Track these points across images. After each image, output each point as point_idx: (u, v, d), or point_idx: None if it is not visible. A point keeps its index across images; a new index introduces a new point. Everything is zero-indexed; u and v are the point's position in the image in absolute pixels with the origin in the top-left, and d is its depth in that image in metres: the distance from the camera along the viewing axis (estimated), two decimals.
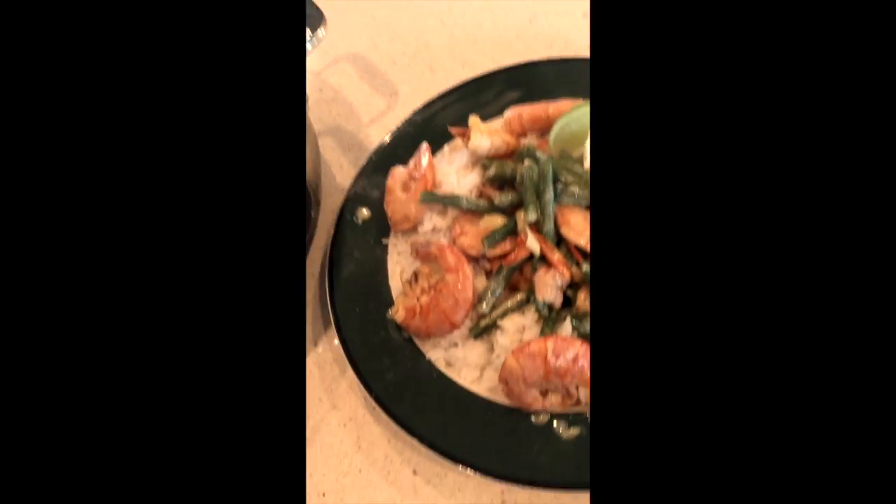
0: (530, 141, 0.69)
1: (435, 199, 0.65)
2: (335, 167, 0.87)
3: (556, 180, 0.62)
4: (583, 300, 0.58)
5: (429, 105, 0.80)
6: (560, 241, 0.60)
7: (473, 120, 0.70)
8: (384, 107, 0.91)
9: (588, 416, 0.56)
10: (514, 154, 0.68)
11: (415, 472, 0.62)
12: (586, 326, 0.58)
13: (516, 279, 0.62)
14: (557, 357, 0.55)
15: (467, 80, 0.81)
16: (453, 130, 0.71)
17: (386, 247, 0.70)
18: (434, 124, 0.77)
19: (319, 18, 0.70)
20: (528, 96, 0.77)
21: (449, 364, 0.62)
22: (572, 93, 0.74)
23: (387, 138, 0.79)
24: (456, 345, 0.62)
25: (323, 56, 0.99)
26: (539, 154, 0.63)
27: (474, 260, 0.63)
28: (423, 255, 0.64)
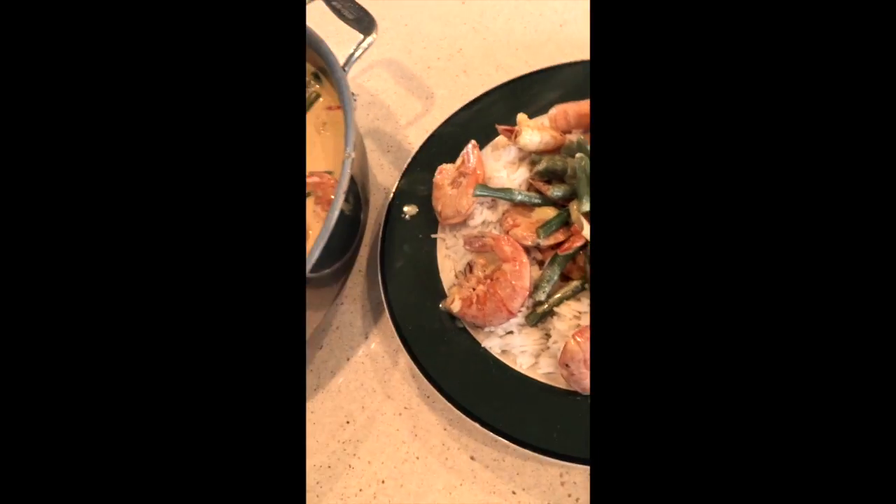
0: (577, 136, 0.71)
1: (490, 193, 0.67)
2: (376, 168, 0.89)
3: None
4: None
5: (469, 106, 0.83)
6: None
7: (521, 117, 0.72)
8: (421, 109, 0.94)
9: None
10: (560, 149, 0.70)
11: (472, 458, 0.64)
12: None
13: (569, 268, 0.64)
14: None
15: (507, 81, 0.84)
16: (500, 128, 0.73)
17: (435, 241, 0.72)
18: (474, 124, 0.80)
19: (371, 24, 0.73)
20: (568, 96, 0.79)
21: (504, 352, 0.64)
22: None
23: (430, 137, 0.81)
24: (511, 332, 0.64)
25: (357, 62, 1.02)
26: (588, 146, 0.65)
27: (526, 250, 0.65)
28: (478, 246, 0.66)
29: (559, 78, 0.82)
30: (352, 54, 0.74)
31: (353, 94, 0.77)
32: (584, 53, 0.93)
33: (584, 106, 0.71)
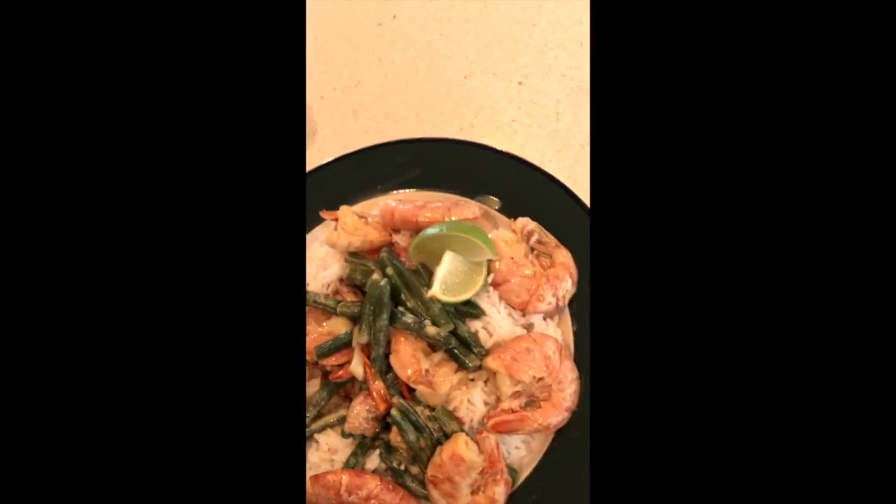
0: (402, 238, 0.66)
1: None
2: None
3: (398, 303, 0.59)
4: (395, 434, 0.57)
5: (329, 165, 0.77)
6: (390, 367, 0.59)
7: (343, 211, 0.67)
8: None
9: None
10: (380, 250, 0.65)
11: None
12: (394, 461, 0.57)
13: (350, 388, 0.61)
14: (350, 493, 0.54)
15: (374, 146, 0.77)
16: (325, 215, 0.68)
17: None
18: (323, 190, 0.75)
19: None
20: (427, 177, 0.73)
21: None
22: (468, 186, 0.71)
23: None
24: None
25: None
26: (389, 270, 0.60)
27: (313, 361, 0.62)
28: None
29: (426, 155, 0.75)
30: None
31: None
32: (476, 118, 0.85)
33: (411, 211, 0.65)
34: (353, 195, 0.74)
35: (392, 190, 0.74)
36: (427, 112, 0.86)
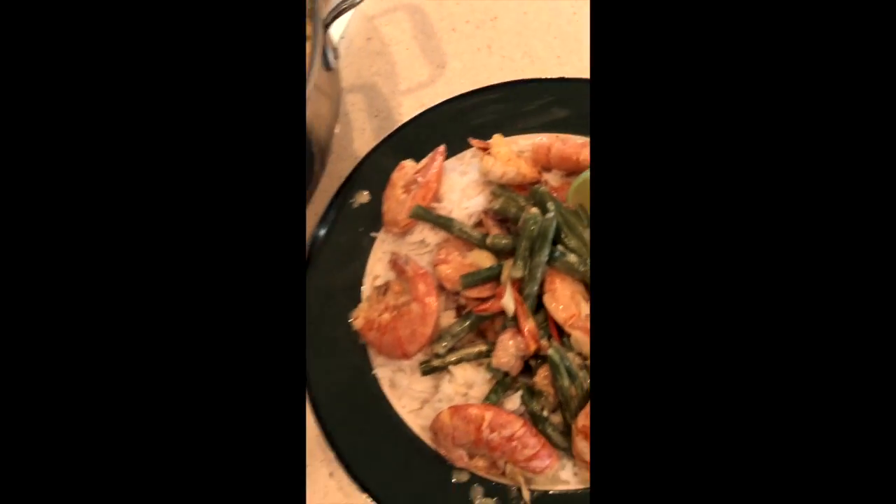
0: (553, 177, 0.62)
1: (426, 218, 0.60)
2: (357, 131, 0.81)
3: (556, 241, 0.55)
4: (542, 378, 0.54)
5: (466, 96, 0.73)
6: (540, 307, 0.55)
7: (496, 139, 0.63)
8: (426, 78, 0.84)
9: (508, 489, 0.54)
10: (530, 186, 0.61)
11: (331, 475, 0.62)
12: (536, 405, 0.54)
13: (486, 326, 0.58)
14: (492, 431, 0.51)
15: (515, 81, 0.73)
16: (474, 143, 0.64)
17: (373, 240, 0.66)
18: (462, 121, 0.71)
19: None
20: (575, 120, 0.69)
21: (393, 385, 0.60)
22: None
23: (412, 118, 0.73)
24: (403, 370, 0.60)
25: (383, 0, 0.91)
26: (549, 204, 0.56)
27: (451, 291, 0.59)
28: (399, 270, 0.60)
29: (574, 95, 0.70)
30: (335, 8, 0.64)
31: (334, 49, 0.69)
32: None
33: (570, 148, 0.61)
34: (490, 130, 0.70)
35: (534, 131, 0.70)
36: (569, 56, 0.81)
